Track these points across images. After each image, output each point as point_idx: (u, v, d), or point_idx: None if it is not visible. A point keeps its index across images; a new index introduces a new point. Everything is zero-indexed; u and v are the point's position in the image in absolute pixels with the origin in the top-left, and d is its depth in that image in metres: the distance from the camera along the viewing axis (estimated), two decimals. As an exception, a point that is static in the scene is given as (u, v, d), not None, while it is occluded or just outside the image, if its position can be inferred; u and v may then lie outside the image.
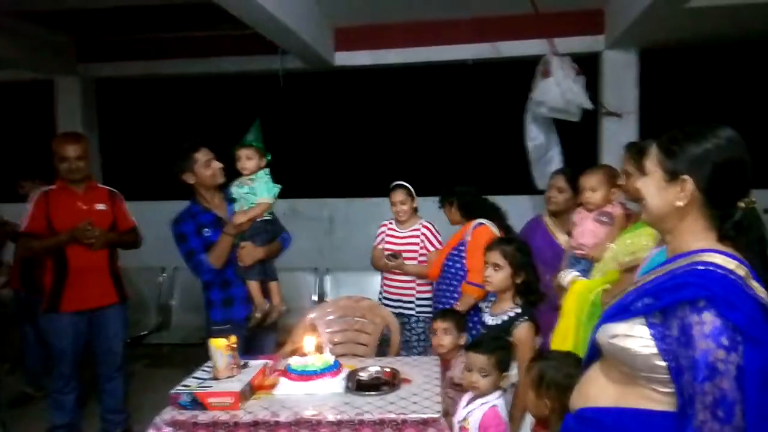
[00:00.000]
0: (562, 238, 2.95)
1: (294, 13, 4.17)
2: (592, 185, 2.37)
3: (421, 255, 3.47)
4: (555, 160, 4.58)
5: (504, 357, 2.09)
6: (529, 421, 2.19)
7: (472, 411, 2.06)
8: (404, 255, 3.46)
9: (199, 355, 4.04)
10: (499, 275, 2.43)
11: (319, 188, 5.96)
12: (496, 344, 2.13)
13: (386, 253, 3.51)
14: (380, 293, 3.62)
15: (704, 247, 1.27)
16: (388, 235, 3.60)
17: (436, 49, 5.33)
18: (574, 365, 1.69)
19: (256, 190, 2.86)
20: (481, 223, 3.08)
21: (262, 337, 3.06)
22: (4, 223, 4.19)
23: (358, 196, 5.80)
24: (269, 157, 3.00)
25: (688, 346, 1.17)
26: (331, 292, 5.14)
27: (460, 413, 2.12)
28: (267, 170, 2.96)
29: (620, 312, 1.33)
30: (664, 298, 1.24)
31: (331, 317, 3.16)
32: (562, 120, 4.60)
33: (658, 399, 1.26)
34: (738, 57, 5.20)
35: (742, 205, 1.28)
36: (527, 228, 3.20)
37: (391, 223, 3.63)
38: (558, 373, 1.74)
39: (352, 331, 3.13)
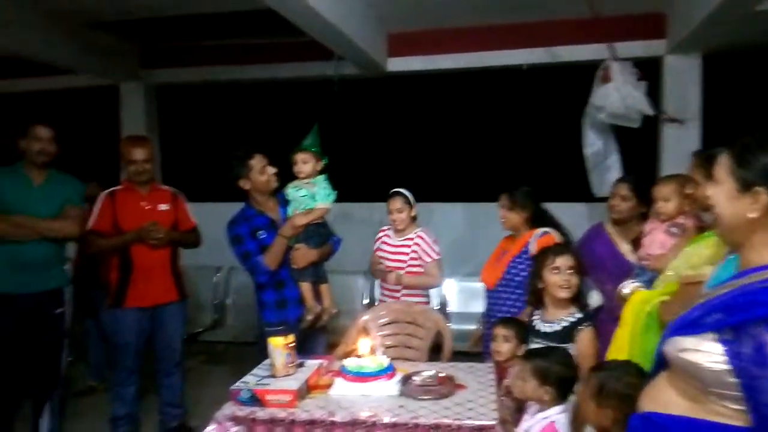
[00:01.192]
0: (624, 247, 2.87)
1: (349, 19, 4.23)
2: (665, 195, 2.31)
3: (410, 265, 3.40)
4: (614, 167, 4.47)
5: (552, 369, 2.04)
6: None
7: (533, 425, 2.03)
8: (393, 264, 3.43)
9: (252, 353, 4.13)
10: (572, 279, 2.40)
11: (371, 192, 6.01)
12: (544, 354, 2.11)
13: (387, 270, 3.45)
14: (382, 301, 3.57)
15: None
16: (383, 243, 3.56)
17: (489, 54, 5.30)
18: (635, 374, 1.65)
19: (316, 195, 2.91)
20: (546, 232, 2.97)
21: (313, 339, 3.11)
22: None
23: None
24: (326, 161, 3.05)
25: (765, 366, 1.13)
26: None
27: (523, 425, 2.10)
28: (325, 175, 3.02)
29: (689, 326, 1.30)
30: (736, 315, 1.19)
31: (383, 321, 3.17)
32: (622, 126, 4.50)
33: (729, 414, 1.22)
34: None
35: None
36: (587, 236, 3.13)
37: (388, 230, 3.58)
38: (619, 383, 1.70)
39: (403, 335, 3.14)
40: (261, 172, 3.00)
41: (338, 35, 4.25)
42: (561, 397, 2.03)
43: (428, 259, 3.39)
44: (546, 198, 3.54)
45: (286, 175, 3.10)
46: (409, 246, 3.42)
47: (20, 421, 3.33)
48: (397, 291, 3.42)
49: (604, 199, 4.55)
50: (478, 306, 4.94)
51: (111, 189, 3.48)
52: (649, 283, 2.20)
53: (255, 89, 6.24)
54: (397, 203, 3.41)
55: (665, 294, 2.03)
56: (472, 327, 4.00)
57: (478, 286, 5.09)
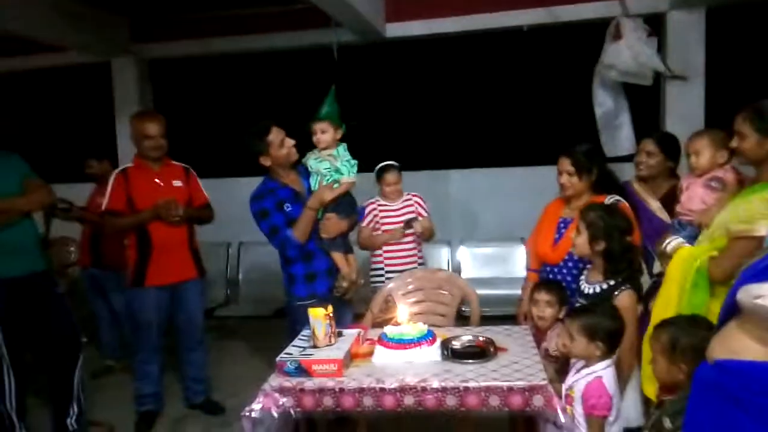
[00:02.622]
0: (654, 204, 2.83)
1: (347, -18, 4.12)
2: (697, 149, 2.30)
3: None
4: (625, 126, 4.46)
5: (601, 324, 2.05)
6: (635, 385, 2.19)
7: (578, 380, 2.05)
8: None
9: (265, 327, 4.13)
10: (578, 239, 2.39)
11: (375, 161, 5.97)
12: (590, 311, 2.11)
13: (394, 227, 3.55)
14: (378, 269, 3.58)
15: None
16: (381, 212, 3.61)
17: (489, 17, 5.19)
18: (706, 328, 1.66)
19: (341, 169, 2.89)
20: (619, 200, 2.66)
21: (338, 310, 3.09)
22: (69, 209, 4.23)
23: (414, 169, 5.79)
24: (344, 129, 3.01)
25: None
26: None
27: (568, 380, 2.12)
28: (345, 145, 2.97)
29: (764, 272, 1.31)
30: None
31: (409, 289, 3.17)
32: (627, 84, 4.48)
33: None
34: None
35: None
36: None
37: (378, 201, 3.64)
38: (693, 338, 1.71)
39: (429, 302, 3.14)
40: (280, 145, 2.91)
41: (338, 0, 4.16)
42: (610, 350, 2.05)
43: (425, 214, 3.63)
44: (550, 161, 3.49)
45: (304, 145, 3.06)
46: (411, 206, 3.63)
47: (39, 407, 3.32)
48: (405, 251, 3.53)
49: (615, 159, 4.60)
50: (490, 271, 5.04)
51: (122, 167, 3.42)
52: (691, 239, 2.21)
53: (252, 60, 6.10)
54: (393, 176, 3.57)
55: (714, 249, 2.03)
56: (489, 291, 4.05)
57: (488, 251, 5.20)
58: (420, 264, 3.59)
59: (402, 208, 3.63)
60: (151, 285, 3.34)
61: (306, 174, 3.02)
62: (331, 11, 4.49)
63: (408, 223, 3.52)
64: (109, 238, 3.87)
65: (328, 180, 2.91)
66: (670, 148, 2.80)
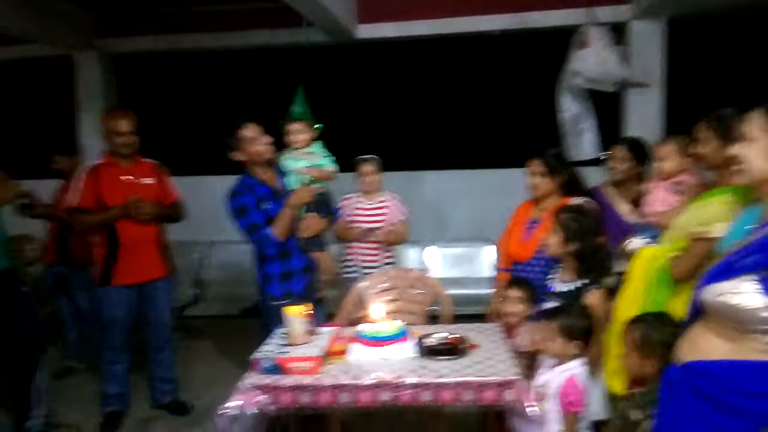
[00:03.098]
0: (623, 208, 2.94)
1: (320, -17, 4.13)
2: (663, 155, 2.40)
3: (387, 224, 3.63)
4: (589, 131, 4.60)
5: (577, 324, 2.12)
6: (598, 380, 2.27)
7: (553, 378, 2.12)
8: (374, 225, 3.61)
9: (233, 327, 4.09)
10: (552, 239, 2.47)
11: (344, 162, 5.99)
12: (565, 311, 2.18)
13: (362, 226, 3.61)
14: (349, 262, 3.65)
15: None
16: (357, 208, 3.67)
17: (461, 20, 5.29)
18: (673, 324, 1.74)
19: (321, 163, 2.94)
20: (587, 202, 2.77)
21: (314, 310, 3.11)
22: (32, 205, 4.13)
23: (386, 170, 5.83)
24: (320, 127, 3.03)
25: None
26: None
27: (540, 378, 2.18)
28: (321, 142, 2.99)
29: (725, 271, 1.40)
30: None
31: (381, 287, 3.20)
32: (590, 90, 4.62)
33: None
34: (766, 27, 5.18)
35: None
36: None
37: (356, 196, 3.70)
38: (663, 333, 1.79)
39: (401, 301, 3.18)
40: (253, 142, 2.89)
41: (311, 0, 4.17)
42: (585, 349, 2.13)
43: (402, 217, 3.67)
44: (518, 164, 3.60)
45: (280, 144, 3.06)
46: (383, 207, 3.65)
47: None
48: (373, 249, 3.59)
49: (578, 163, 4.73)
50: (459, 271, 5.12)
51: (92, 164, 3.36)
52: (653, 240, 2.30)
53: (221, 58, 6.05)
54: (368, 167, 3.63)
55: (675, 250, 2.13)
56: (458, 291, 4.10)
57: (457, 252, 5.27)
58: (389, 263, 3.64)
59: (376, 208, 3.66)
60: (119, 283, 3.29)
61: (283, 172, 3.02)
62: (303, 11, 4.49)
63: (370, 231, 3.58)
64: (76, 235, 3.79)
65: (303, 180, 2.93)
66: (641, 153, 2.90)
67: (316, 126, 3.03)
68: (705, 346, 1.45)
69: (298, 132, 2.95)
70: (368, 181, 3.64)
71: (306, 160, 2.94)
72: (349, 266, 3.62)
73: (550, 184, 2.83)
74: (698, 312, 1.50)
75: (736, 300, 1.34)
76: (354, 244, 3.63)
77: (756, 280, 1.32)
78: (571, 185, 2.87)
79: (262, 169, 2.95)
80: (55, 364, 4.21)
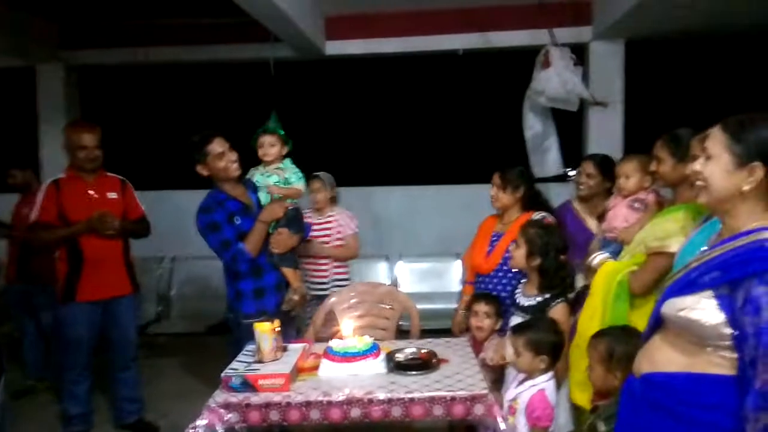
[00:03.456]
0: (591, 223, 3.02)
1: (289, 0, 4.16)
2: (626, 172, 2.48)
3: (336, 239, 3.63)
4: (552, 148, 4.73)
5: (545, 339, 2.17)
6: (564, 393, 2.32)
7: (522, 392, 2.16)
8: (322, 240, 3.59)
9: (198, 344, 4.04)
10: (517, 252, 2.53)
11: (309, 177, 6.00)
12: (533, 326, 2.22)
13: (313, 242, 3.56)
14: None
15: (765, 225, 1.38)
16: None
17: (426, 39, 5.41)
18: (637, 337, 1.80)
19: (289, 180, 2.92)
20: (545, 216, 2.88)
21: (282, 325, 3.09)
22: None
23: (349, 185, 5.86)
24: (290, 145, 3.04)
25: (755, 315, 1.29)
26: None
27: (510, 392, 2.22)
28: (291, 159, 3.00)
29: (686, 287, 1.44)
30: (732, 271, 1.35)
31: (350, 303, 3.22)
32: (556, 109, 4.75)
33: (726, 365, 1.38)
34: (723, 49, 5.42)
35: None
36: (557, 213, 3.27)
37: (309, 211, 3.66)
38: (628, 346, 1.83)
39: (370, 316, 3.20)
40: (219, 157, 2.82)
41: (280, 17, 4.21)
42: (553, 363, 2.17)
43: (350, 231, 3.66)
44: (486, 180, 3.67)
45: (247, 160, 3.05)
46: (331, 222, 3.65)
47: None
48: (322, 264, 3.58)
49: (543, 180, 4.84)
50: (427, 286, 5.16)
51: (54, 178, 3.29)
52: (614, 255, 2.38)
53: (187, 71, 6.02)
54: (315, 184, 3.61)
55: (634, 264, 2.20)
56: (426, 306, 4.14)
57: (426, 266, 5.32)
58: (340, 279, 3.61)
59: (323, 223, 3.64)
60: (82, 300, 3.22)
61: (253, 188, 2.99)
62: (272, 27, 4.53)
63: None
64: (39, 251, 3.70)
65: (277, 195, 2.94)
66: (608, 170, 2.97)
67: (288, 143, 3.04)
68: (662, 358, 1.49)
69: (270, 145, 2.95)
70: (317, 199, 3.63)
71: (276, 176, 2.93)
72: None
73: (511, 198, 2.95)
74: (657, 325, 1.55)
75: (695, 315, 1.39)
76: (304, 259, 3.53)
77: (714, 296, 1.37)
78: (532, 200, 2.99)
79: (230, 185, 2.89)
80: (14, 384, 4.08)
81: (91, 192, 3.29)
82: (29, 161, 4.34)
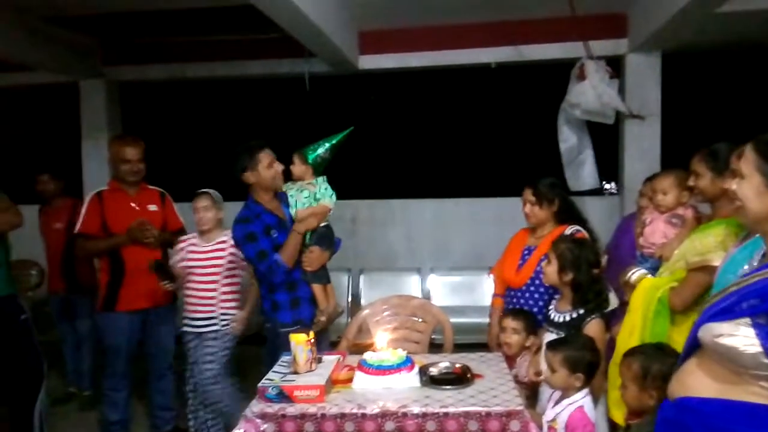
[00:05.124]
0: None
1: (324, 16, 4.23)
2: (664, 188, 2.46)
3: (227, 269, 3.26)
4: (588, 161, 4.68)
5: (582, 356, 2.13)
6: (601, 410, 2.29)
7: (560, 412, 2.13)
8: (208, 270, 3.24)
9: (233, 355, 4.08)
10: (548, 268, 2.50)
11: (343, 190, 6.05)
12: (570, 343, 2.19)
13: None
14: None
15: None
16: (190, 252, 3.28)
17: (459, 53, 5.41)
18: (674, 355, 1.76)
19: (317, 194, 2.96)
20: (578, 230, 2.82)
21: (317, 337, 3.12)
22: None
23: (379, 198, 5.90)
24: (319, 170, 3.07)
25: None
26: (364, 292, 5.25)
27: (548, 413, 2.19)
28: (324, 177, 3.05)
29: (723, 312, 1.38)
30: None
31: (383, 316, 3.23)
32: (588, 122, 4.71)
33: (765, 394, 1.32)
34: (761, 61, 5.31)
35: None
36: (617, 228, 3.22)
37: (192, 237, 3.33)
38: (663, 366, 1.80)
39: (403, 329, 3.20)
40: (269, 166, 2.87)
41: (316, 33, 4.26)
42: (588, 381, 2.14)
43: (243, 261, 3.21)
44: (519, 193, 3.63)
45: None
46: (223, 249, 3.27)
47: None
48: (207, 299, 3.24)
49: (578, 193, 4.80)
50: (459, 299, 5.13)
51: (98, 190, 3.40)
52: (653, 271, 2.34)
53: (224, 87, 6.16)
54: (202, 202, 3.24)
55: (674, 280, 2.17)
56: (458, 320, 4.11)
57: (458, 280, 5.30)
58: (225, 315, 3.25)
59: (212, 251, 3.26)
60: (122, 309, 3.31)
61: (286, 201, 3.03)
62: (307, 43, 4.60)
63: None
64: (82, 261, 3.81)
65: (304, 204, 2.97)
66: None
67: (312, 164, 3.08)
68: (695, 383, 1.44)
69: (293, 164, 2.99)
70: (205, 219, 3.22)
71: (307, 191, 2.98)
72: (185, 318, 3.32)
73: (543, 212, 2.89)
74: (694, 348, 1.50)
75: (732, 342, 1.33)
76: (187, 291, 3.28)
77: (751, 325, 1.31)
78: (565, 213, 2.92)
79: (268, 197, 2.95)
80: (56, 390, 4.20)
81: (132, 204, 3.39)
82: (64, 174, 4.40)
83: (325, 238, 2.99)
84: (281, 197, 3.04)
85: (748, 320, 1.31)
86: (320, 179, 3.04)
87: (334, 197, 3.04)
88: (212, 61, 5.73)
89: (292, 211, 2.99)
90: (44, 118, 6.43)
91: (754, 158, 1.40)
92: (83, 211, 3.31)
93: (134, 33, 5.59)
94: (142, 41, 5.77)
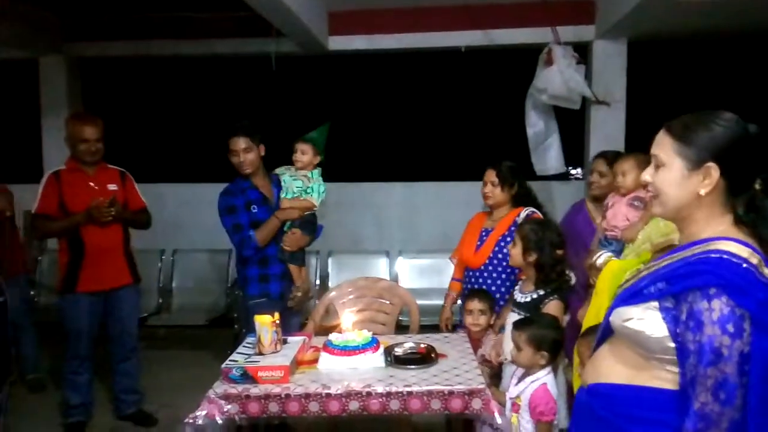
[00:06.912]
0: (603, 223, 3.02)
1: (294, -5, 4.16)
2: (624, 170, 2.49)
3: None
4: (554, 146, 4.72)
5: (545, 335, 2.17)
6: (561, 389, 2.33)
7: (524, 389, 2.16)
8: None
9: (198, 337, 4.07)
10: (513, 250, 2.54)
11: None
12: (535, 322, 2.23)
13: None
14: None
15: (719, 234, 1.30)
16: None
17: (428, 36, 5.39)
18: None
19: (309, 190, 3.01)
20: (534, 212, 2.94)
21: (287, 317, 3.12)
22: None
23: (348, 181, 5.88)
24: (322, 159, 3.08)
25: (697, 331, 1.21)
26: (332, 274, 5.25)
27: (512, 390, 2.22)
28: (320, 170, 3.07)
29: (634, 296, 1.36)
30: (677, 283, 1.27)
31: (350, 297, 3.23)
32: (555, 107, 4.75)
33: (670, 379, 1.31)
34: (724, 50, 5.43)
35: (757, 186, 1.30)
36: (569, 212, 3.26)
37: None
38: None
39: (370, 311, 3.21)
40: (231, 154, 3.02)
41: (284, 12, 4.19)
42: (553, 359, 2.18)
43: None
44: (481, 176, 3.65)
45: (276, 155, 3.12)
46: None
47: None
48: None
49: (544, 178, 4.85)
50: (426, 282, 5.17)
51: (55, 169, 3.31)
52: (616, 254, 2.38)
53: (190, 65, 6.02)
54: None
55: (641, 262, 2.20)
56: (426, 302, 4.15)
57: (426, 263, 5.33)
58: None
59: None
60: (83, 290, 3.24)
61: (277, 183, 3.09)
62: (275, 21, 4.52)
63: None
64: (3, 247, 3.69)
65: (291, 194, 3.01)
66: None
67: (321, 156, 3.08)
68: (607, 369, 1.43)
69: (302, 153, 3.01)
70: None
71: (301, 182, 3.01)
72: None
73: (502, 195, 2.99)
74: (606, 334, 1.49)
75: (640, 326, 1.31)
76: None
77: (658, 308, 1.29)
78: (523, 197, 3.02)
79: (257, 175, 3.06)
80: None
81: (91, 184, 3.30)
82: (30, 152, 4.28)
83: (309, 224, 3.07)
84: (273, 177, 3.12)
85: (656, 304, 1.30)
86: (316, 172, 3.06)
87: (323, 195, 3.07)
88: (178, 38, 5.59)
89: (282, 195, 3.04)
90: (2, 95, 6.19)
91: (671, 142, 1.33)
92: (40, 191, 3.21)
93: (97, 8, 5.42)
94: (104, 17, 5.59)
